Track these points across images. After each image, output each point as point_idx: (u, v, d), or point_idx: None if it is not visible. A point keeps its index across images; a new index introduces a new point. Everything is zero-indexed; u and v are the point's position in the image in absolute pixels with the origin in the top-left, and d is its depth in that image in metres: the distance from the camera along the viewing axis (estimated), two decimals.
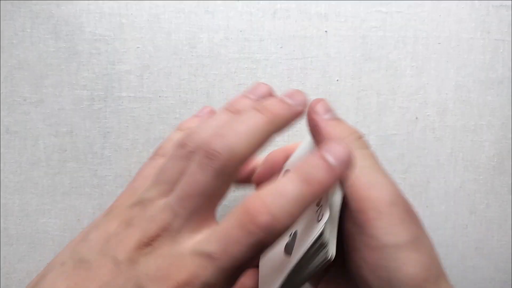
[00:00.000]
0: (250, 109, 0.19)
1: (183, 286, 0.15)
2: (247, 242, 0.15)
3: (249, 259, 0.16)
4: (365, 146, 0.22)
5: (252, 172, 0.28)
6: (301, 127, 0.36)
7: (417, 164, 0.37)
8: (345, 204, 0.21)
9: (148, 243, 0.16)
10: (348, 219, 0.20)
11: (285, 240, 0.21)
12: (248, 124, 0.18)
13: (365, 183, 0.19)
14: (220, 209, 0.36)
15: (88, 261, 0.17)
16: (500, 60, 0.37)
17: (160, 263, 0.16)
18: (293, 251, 0.19)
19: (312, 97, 0.36)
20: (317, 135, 0.22)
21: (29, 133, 0.36)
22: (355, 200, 0.19)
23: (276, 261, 0.21)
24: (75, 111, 0.36)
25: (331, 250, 0.18)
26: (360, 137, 0.22)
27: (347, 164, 0.17)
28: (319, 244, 0.18)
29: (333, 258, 0.18)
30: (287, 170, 0.25)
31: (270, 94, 0.23)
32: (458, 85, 0.37)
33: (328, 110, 0.23)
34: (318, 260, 0.18)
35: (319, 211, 0.19)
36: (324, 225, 0.18)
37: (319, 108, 0.23)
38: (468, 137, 0.37)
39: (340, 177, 0.17)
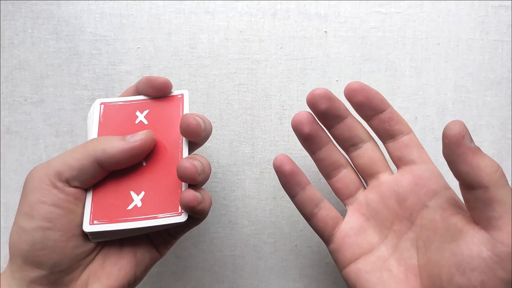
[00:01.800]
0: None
1: None
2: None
3: None
4: (507, 182, 0.23)
5: None
6: None
7: None
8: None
9: None
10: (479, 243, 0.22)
11: None
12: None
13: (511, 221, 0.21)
14: (220, 208, 0.37)
15: None
16: (499, 61, 0.37)
17: None
18: None
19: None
20: (461, 164, 0.23)
21: (30, 133, 0.36)
22: (498, 230, 0.22)
23: None
24: (75, 111, 0.36)
25: None
26: (503, 174, 0.23)
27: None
28: None
29: None
30: None
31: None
32: (457, 86, 0.37)
33: (470, 137, 0.23)
34: None
35: None
36: None
37: (466, 134, 0.23)
38: None
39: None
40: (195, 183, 0.25)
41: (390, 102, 0.37)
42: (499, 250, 0.21)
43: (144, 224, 0.25)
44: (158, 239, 0.29)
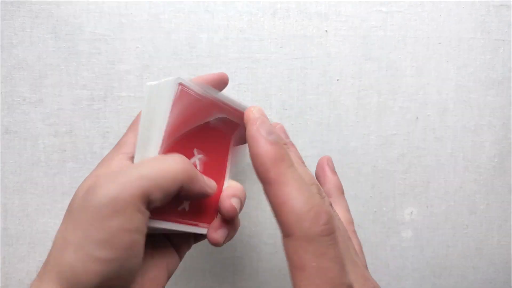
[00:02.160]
0: None
1: None
2: None
3: None
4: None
5: None
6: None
7: (417, 164, 0.37)
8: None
9: None
10: None
11: None
12: None
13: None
14: None
15: None
16: (500, 60, 0.37)
17: None
18: None
19: (312, 96, 0.37)
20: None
21: (29, 133, 0.36)
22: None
23: None
24: (74, 111, 0.36)
25: None
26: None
27: None
28: None
29: None
30: None
31: None
32: (459, 86, 0.37)
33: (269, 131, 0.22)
34: None
35: None
36: None
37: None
38: (469, 137, 0.37)
39: None
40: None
41: (391, 102, 0.37)
42: None
43: (189, 230, 0.25)
44: (184, 248, 0.28)
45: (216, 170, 0.26)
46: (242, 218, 0.37)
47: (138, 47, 0.35)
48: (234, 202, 0.25)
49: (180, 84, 0.22)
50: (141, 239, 0.21)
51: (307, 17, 0.36)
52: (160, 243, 0.27)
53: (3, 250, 0.36)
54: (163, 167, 0.21)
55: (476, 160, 0.37)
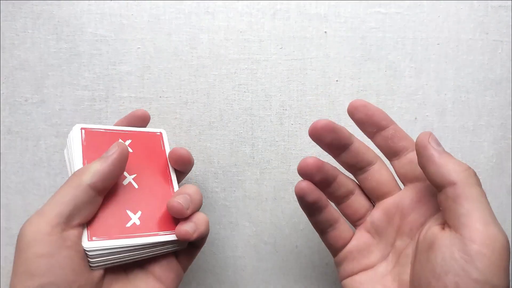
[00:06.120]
0: None
1: None
2: None
3: None
4: (478, 183, 0.23)
5: None
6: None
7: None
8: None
9: None
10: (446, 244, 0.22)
11: None
12: None
13: (480, 218, 0.21)
14: (220, 209, 0.37)
15: None
16: (499, 61, 0.37)
17: None
18: None
19: (311, 97, 0.37)
20: (429, 165, 0.23)
21: (31, 134, 0.36)
22: (467, 228, 0.21)
23: None
24: (76, 112, 0.36)
25: None
26: (473, 174, 0.23)
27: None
28: None
29: None
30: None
31: None
32: (457, 86, 0.37)
33: (438, 142, 0.24)
34: None
35: None
36: None
37: (432, 139, 0.24)
38: (467, 138, 0.37)
39: None
40: (185, 217, 0.27)
41: (390, 102, 0.37)
42: (469, 248, 0.20)
43: (146, 241, 0.25)
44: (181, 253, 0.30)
45: (160, 181, 0.29)
46: (242, 218, 0.37)
47: (139, 48, 0.36)
48: (179, 199, 0.27)
49: (82, 128, 0.28)
50: (63, 259, 0.22)
51: (306, 18, 0.36)
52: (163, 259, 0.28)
53: (5, 250, 0.36)
54: (61, 189, 0.24)
55: (475, 160, 0.38)
